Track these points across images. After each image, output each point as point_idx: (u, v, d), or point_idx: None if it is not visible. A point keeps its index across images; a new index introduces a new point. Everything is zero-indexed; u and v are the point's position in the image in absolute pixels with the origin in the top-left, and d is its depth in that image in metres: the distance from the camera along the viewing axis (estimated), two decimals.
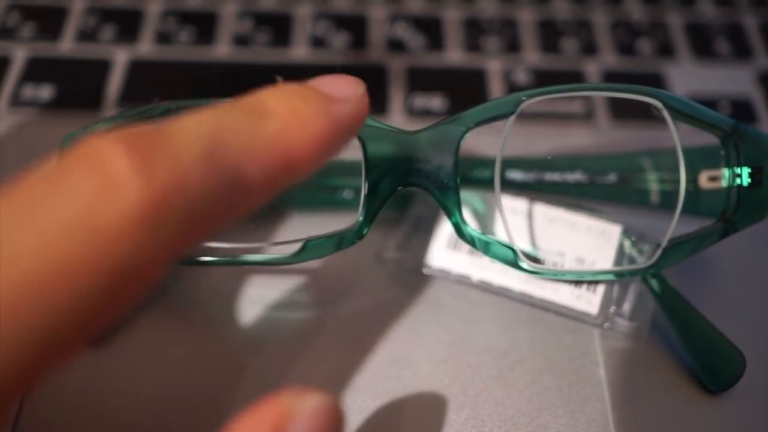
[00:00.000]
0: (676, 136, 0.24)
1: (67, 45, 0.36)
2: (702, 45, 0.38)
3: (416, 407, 0.25)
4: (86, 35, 0.36)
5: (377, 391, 0.25)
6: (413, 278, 0.28)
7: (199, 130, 0.17)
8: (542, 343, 0.26)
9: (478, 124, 0.24)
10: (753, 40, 0.38)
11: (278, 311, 0.27)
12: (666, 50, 0.38)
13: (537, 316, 0.27)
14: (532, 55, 0.37)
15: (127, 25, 0.37)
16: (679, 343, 0.26)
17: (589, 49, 0.38)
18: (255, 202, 0.19)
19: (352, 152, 0.24)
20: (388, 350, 0.26)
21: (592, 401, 0.25)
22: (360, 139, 0.24)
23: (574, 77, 0.36)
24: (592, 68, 0.37)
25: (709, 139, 0.26)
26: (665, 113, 0.24)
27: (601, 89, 0.26)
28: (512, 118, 0.24)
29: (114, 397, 0.24)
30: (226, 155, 0.17)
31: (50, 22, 0.37)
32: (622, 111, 0.34)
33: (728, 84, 0.36)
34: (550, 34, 0.38)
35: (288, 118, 0.18)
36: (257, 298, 0.27)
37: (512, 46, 0.37)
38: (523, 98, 0.24)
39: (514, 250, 0.25)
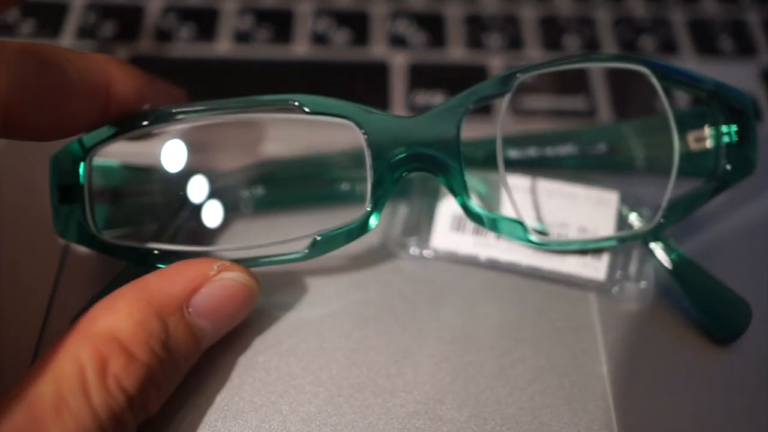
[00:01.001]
0: (665, 100, 0.25)
1: (67, 41, 0.36)
2: (705, 42, 0.38)
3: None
4: (86, 32, 0.36)
5: (378, 389, 0.25)
6: (418, 267, 0.28)
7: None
8: (544, 341, 0.26)
9: (477, 102, 0.24)
10: (756, 36, 0.38)
11: (278, 305, 0.27)
12: (669, 47, 0.38)
13: (540, 313, 0.27)
14: (534, 52, 0.37)
15: (127, 21, 0.37)
16: (686, 299, 0.26)
17: (592, 45, 0.37)
18: (74, 108, 0.23)
19: (353, 142, 0.24)
20: (390, 348, 0.26)
21: (595, 399, 0.25)
22: (361, 127, 0.24)
23: (577, 74, 0.36)
24: (594, 65, 0.36)
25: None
26: (653, 79, 0.25)
27: (590, 60, 0.27)
28: (509, 95, 0.25)
29: None
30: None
31: (50, 18, 0.37)
32: (624, 107, 0.34)
33: (732, 81, 0.36)
34: (552, 31, 0.38)
35: (109, 58, 0.24)
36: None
37: (514, 43, 0.37)
38: (518, 74, 0.24)
39: (523, 225, 0.25)
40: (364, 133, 0.24)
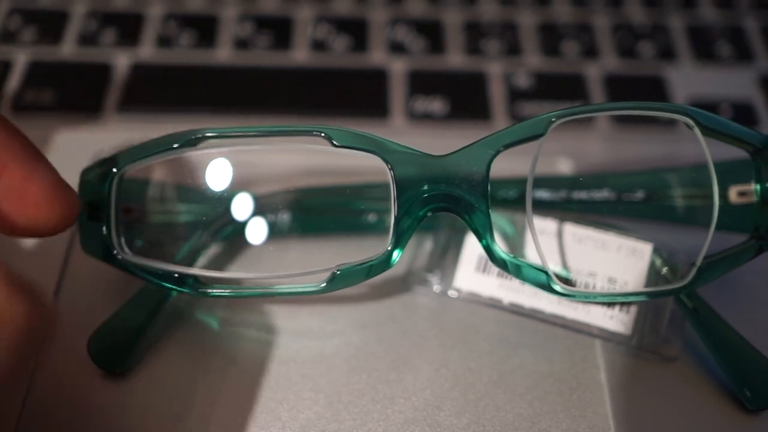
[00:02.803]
0: (708, 152, 0.24)
1: (68, 49, 0.36)
2: (703, 48, 0.38)
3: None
4: (87, 39, 0.37)
5: (377, 396, 0.25)
6: (437, 304, 0.28)
7: None
8: (543, 348, 0.26)
9: (508, 146, 0.24)
10: (754, 42, 0.38)
11: (287, 330, 0.27)
12: (667, 53, 0.38)
13: (545, 358, 0.27)
14: (533, 59, 0.37)
15: (128, 28, 0.37)
16: (715, 361, 0.25)
17: (590, 52, 0.37)
18: None
19: (379, 175, 0.24)
20: (389, 354, 0.26)
21: (594, 405, 0.25)
22: (388, 164, 0.24)
23: (575, 81, 0.36)
24: (593, 72, 0.37)
25: (735, 152, 0.25)
26: (696, 130, 0.24)
27: (630, 108, 0.25)
28: (543, 139, 0.24)
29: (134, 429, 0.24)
30: None
31: (51, 26, 0.37)
32: (623, 116, 0.34)
33: (729, 87, 0.36)
34: (550, 38, 0.38)
35: None
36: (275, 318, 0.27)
37: (513, 50, 0.37)
38: (553, 119, 0.24)
39: (547, 273, 0.25)
40: (391, 169, 0.24)
